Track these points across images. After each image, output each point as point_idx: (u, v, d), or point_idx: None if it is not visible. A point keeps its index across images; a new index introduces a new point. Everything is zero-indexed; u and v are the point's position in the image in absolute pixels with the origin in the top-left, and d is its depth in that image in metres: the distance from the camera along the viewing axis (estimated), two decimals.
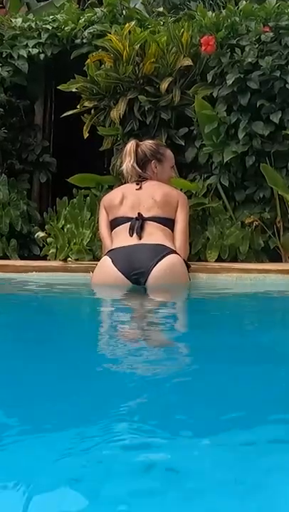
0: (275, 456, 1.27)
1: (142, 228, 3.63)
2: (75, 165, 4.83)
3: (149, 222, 3.67)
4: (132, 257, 3.53)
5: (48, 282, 3.78)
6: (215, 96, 4.25)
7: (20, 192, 4.76)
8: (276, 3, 4.22)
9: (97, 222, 3.99)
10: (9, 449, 1.28)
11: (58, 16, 4.86)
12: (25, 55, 4.72)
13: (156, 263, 3.48)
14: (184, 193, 3.97)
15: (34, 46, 4.76)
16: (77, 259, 4.09)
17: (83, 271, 3.85)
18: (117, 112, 4.33)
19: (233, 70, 4.15)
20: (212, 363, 1.97)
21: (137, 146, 3.88)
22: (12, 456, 1.25)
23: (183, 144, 4.37)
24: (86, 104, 4.47)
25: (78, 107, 4.49)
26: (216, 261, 4.05)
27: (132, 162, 3.83)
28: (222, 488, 1.13)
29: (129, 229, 3.64)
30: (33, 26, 4.83)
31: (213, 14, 4.34)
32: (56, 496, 1.09)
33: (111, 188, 4.26)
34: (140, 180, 3.84)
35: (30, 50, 4.74)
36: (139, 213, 3.68)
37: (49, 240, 4.30)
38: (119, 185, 4.05)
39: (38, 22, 4.84)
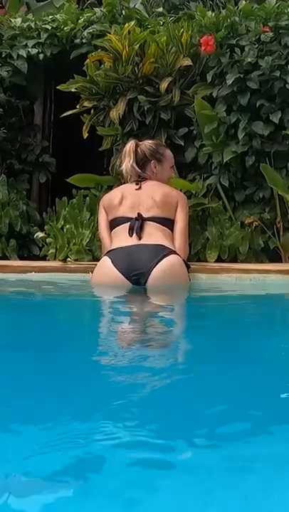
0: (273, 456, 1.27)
1: (141, 228, 3.62)
2: (75, 165, 4.83)
3: (148, 222, 3.66)
4: (132, 258, 3.52)
5: (47, 282, 3.77)
6: (215, 96, 4.25)
7: (20, 192, 4.75)
8: (276, 3, 4.22)
9: (97, 222, 3.98)
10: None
11: (58, 16, 4.85)
12: (25, 55, 4.72)
13: (157, 264, 3.47)
14: (184, 193, 3.96)
15: (33, 46, 4.75)
16: (76, 260, 4.09)
17: (82, 271, 3.84)
18: (117, 112, 4.32)
19: (232, 70, 4.15)
20: (212, 363, 1.96)
21: (137, 146, 3.87)
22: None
23: (182, 144, 4.36)
24: (85, 104, 4.46)
25: (78, 107, 4.48)
26: (216, 261, 4.04)
27: (131, 162, 3.83)
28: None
29: (129, 229, 3.63)
30: (33, 26, 4.82)
31: (213, 14, 4.33)
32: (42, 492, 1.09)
33: (110, 188, 4.26)
34: (140, 180, 3.83)
35: (29, 50, 4.73)
36: (138, 213, 3.67)
37: (48, 240, 4.29)
38: (118, 185, 4.04)
39: (37, 22, 4.83)
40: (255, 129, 4.13)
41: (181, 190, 3.95)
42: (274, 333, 2.64)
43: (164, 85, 4.28)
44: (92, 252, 4.12)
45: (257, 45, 4.15)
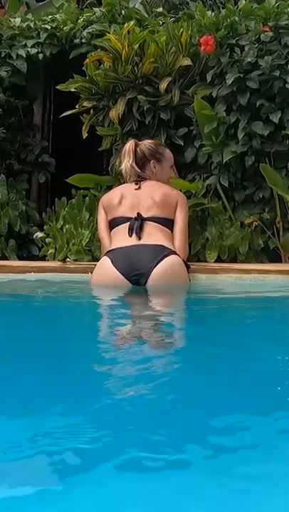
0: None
1: (141, 228, 3.61)
2: (74, 165, 4.82)
3: (148, 222, 3.65)
4: (132, 258, 3.51)
5: (46, 283, 3.76)
6: (214, 96, 4.24)
7: (19, 192, 4.74)
8: (276, 3, 4.21)
9: (96, 222, 3.97)
10: None
11: (57, 16, 4.84)
12: (24, 55, 4.70)
13: (157, 264, 3.46)
14: (184, 193, 3.95)
15: (33, 46, 4.74)
16: (76, 260, 4.08)
17: (82, 271, 3.83)
18: (116, 111, 4.31)
19: (232, 70, 4.14)
20: (212, 363, 1.95)
21: (136, 145, 3.87)
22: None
23: (182, 144, 4.35)
24: (85, 104, 4.45)
25: (77, 106, 4.47)
26: (216, 261, 4.03)
27: (130, 162, 3.82)
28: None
29: (129, 229, 3.63)
30: (32, 26, 4.80)
31: (213, 14, 4.33)
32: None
33: (110, 188, 4.25)
34: (139, 180, 3.82)
35: (29, 49, 4.72)
36: (138, 213, 3.66)
37: (48, 240, 4.28)
38: (118, 185, 4.04)
39: (36, 22, 4.82)
40: (255, 128, 4.12)
41: (180, 190, 3.94)
42: (274, 333, 2.63)
43: (163, 85, 4.27)
44: (92, 252, 4.11)
45: (257, 45, 4.14)
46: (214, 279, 3.72)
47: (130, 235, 3.61)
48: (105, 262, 3.56)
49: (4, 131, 4.81)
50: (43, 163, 4.97)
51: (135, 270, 3.47)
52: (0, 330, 2.62)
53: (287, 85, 4.09)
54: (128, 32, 4.34)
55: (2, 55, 4.75)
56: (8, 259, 4.39)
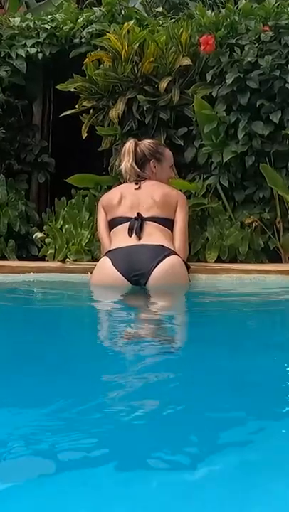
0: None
1: (141, 228, 3.60)
2: (74, 165, 4.81)
3: (148, 222, 3.64)
4: (132, 258, 3.50)
5: (45, 283, 3.75)
6: (214, 95, 4.23)
7: (19, 192, 4.74)
8: (276, 2, 4.20)
9: (96, 222, 3.96)
10: None
11: (57, 16, 4.84)
12: (24, 55, 4.70)
13: (157, 264, 3.46)
14: (184, 193, 3.94)
15: (32, 46, 4.73)
16: (75, 260, 4.07)
17: (81, 271, 3.82)
18: (116, 111, 4.30)
19: (232, 70, 4.13)
20: (213, 364, 1.95)
21: (136, 145, 3.86)
22: None
23: (182, 143, 4.34)
24: (85, 103, 4.45)
25: (77, 106, 4.46)
26: (216, 261, 4.02)
27: (130, 162, 3.81)
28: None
29: (129, 229, 3.62)
30: (32, 26, 4.80)
31: (213, 13, 4.32)
32: None
33: (110, 188, 4.24)
34: (139, 179, 3.81)
35: (28, 49, 4.72)
36: (138, 213, 3.65)
37: (47, 240, 4.27)
38: (117, 185, 4.03)
39: (36, 21, 4.82)
40: (255, 128, 4.11)
41: (180, 190, 3.93)
42: (275, 333, 2.62)
43: (163, 85, 4.26)
44: (92, 253, 4.11)
45: (257, 45, 4.13)
46: (214, 280, 3.71)
47: (130, 235, 3.60)
48: (105, 262, 3.55)
49: (4, 131, 4.80)
50: (42, 163, 4.96)
51: (135, 270, 3.46)
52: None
53: (287, 85, 4.08)
54: (128, 32, 4.34)
55: (2, 55, 4.75)
56: (7, 260, 4.38)
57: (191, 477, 1.17)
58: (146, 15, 4.99)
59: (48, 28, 4.74)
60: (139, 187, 3.77)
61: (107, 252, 3.62)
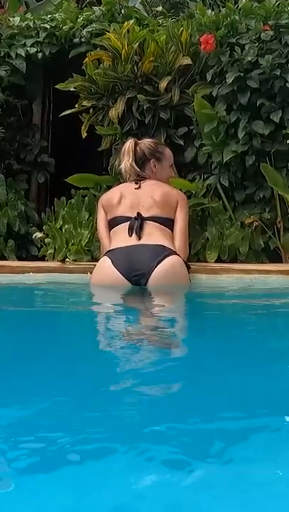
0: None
1: (141, 228, 3.59)
2: (74, 165, 4.79)
3: (148, 222, 3.63)
4: (132, 258, 3.49)
5: (45, 283, 3.74)
6: (214, 95, 4.22)
7: (18, 192, 4.72)
8: (276, 2, 4.19)
9: (95, 222, 3.95)
10: None
11: (56, 15, 4.83)
12: (23, 55, 4.68)
13: (157, 264, 3.44)
14: (184, 193, 3.93)
15: (32, 45, 4.72)
16: (75, 260, 4.05)
17: (81, 271, 3.81)
18: (116, 111, 4.29)
19: (232, 69, 4.12)
20: (213, 365, 1.94)
21: (136, 144, 3.84)
22: None
23: (182, 143, 4.33)
24: (84, 103, 4.43)
25: (76, 106, 4.45)
26: (216, 261, 4.01)
27: (130, 161, 3.79)
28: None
29: (129, 229, 3.60)
30: (31, 25, 4.79)
31: (213, 13, 4.31)
32: None
33: (109, 188, 4.22)
34: (139, 179, 3.80)
35: (28, 49, 4.70)
36: (138, 213, 3.64)
37: (47, 240, 4.26)
38: (117, 185, 4.01)
39: (36, 21, 4.81)
40: (256, 128, 4.10)
41: (180, 190, 3.92)
42: (275, 334, 2.61)
43: (163, 84, 4.25)
44: (91, 253, 4.09)
45: (257, 44, 4.12)
46: (215, 280, 3.70)
47: (130, 235, 3.59)
48: (105, 262, 3.54)
49: (3, 130, 4.79)
50: (42, 163, 4.95)
51: (135, 270, 3.45)
52: None
53: (287, 84, 4.07)
54: (128, 31, 4.32)
55: (1, 55, 4.73)
56: (7, 260, 4.37)
57: (191, 477, 1.16)
58: (146, 14, 4.97)
59: (48, 27, 4.73)
60: (139, 186, 3.76)
61: (107, 251, 3.61)
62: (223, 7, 4.59)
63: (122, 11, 4.75)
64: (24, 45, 4.73)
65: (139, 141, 3.89)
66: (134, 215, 3.64)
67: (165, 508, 1.06)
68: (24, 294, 3.65)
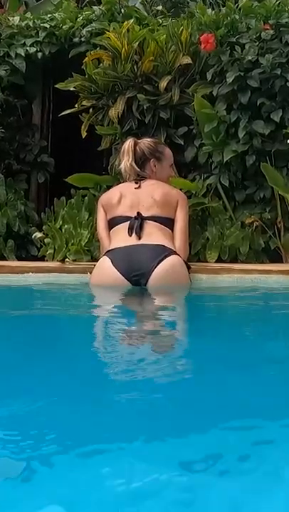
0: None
1: (141, 228, 3.58)
2: (74, 165, 4.79)
3: (148, 221, 3.62)
4: (132, 258, 3.48)
5: (44, 283, 3.73)
6: (215, 94, 4.21)
7: (18, 192, 4.72)
8: (276, 1, 4.19)
9: (95, 222, 3.94)
10: None
11: (56, 15, 4.82)
12: (23, 54, 4.68)
13: (158, 264, 3.43)
14: (184, 192, 3.92)
15: (32, 45, 4.72)
16: (75, 260, 4.04)
17: (81, 271, 3.80)
18: (116, 110, 4.28)
19: (233, 68, 4.11)
20: (214, 365, 1.93)
21: (135, 144, 3.83)
22: None
23: (182, 143, 4.32)
24: (84, 103, 4.42)
25: (76, 106, 4.44)
26: (216, 261, 4.00)
27: (130, 161, 3.78)
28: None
29: (128, 228, 3.59)
30: (31, 25, 4.79)
31: (213, 12, 4.31)
32: None
33: (109, 188, 4.21)
34: (139, 179, 3.79)
35: (27, 48, 4.70)
36: (138, 212, 3.62)
37: (47, 240, 4.24)
38: (117, 184, 4.00)
39: (35, 21, 4.80)
40: (256, 127, 4.09)
41: (181, 190, 3.91)
42: (276, 334, 2.60)
43: (163, 84, 4.24)
44: (91, 253, 4.08)
45: (257, 43, 4.12)
46: (215, 280, 3.69)
47: (130, 235, 3.57)
48: (105, 262, 3.53)
49: (3, 130, 4.78)
50: (42, 163, 4.94)
51: (135, 270, 3.44)
52: None
53: (288, 84, 4.06)
54: (128, 30, 4.31)
55: (1, 54, 4.73)
56: (6, 260, 4.36)
57: (191, 478, 1.16)
58: (146, 14, 4.97)
59: (48, 27, 4.73)
60: (139, 186, 3.74)
61: (107, 251, 3.59)
62: (223, 6, 4.59)
63: (122, 10, 4.75)
64: (24, 44, 4.73)
65: (139, 141, 3.87)
66: (134, 214, 3.62)
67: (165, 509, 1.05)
68: (24, 294, 3.64)
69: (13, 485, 1.14)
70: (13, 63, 4.70)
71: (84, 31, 4.62)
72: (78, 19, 4.70)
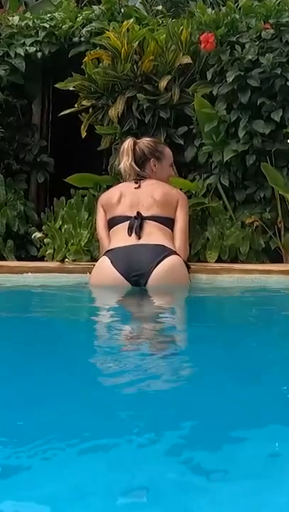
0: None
1: (141, 228, 3.57)
2: (73, 165, 4.78)
3: (148, 221, 3.61)
4: (132, 258, 3.47)
5: (44, 283, 3.73)
6: (215, 94, 4.20)
7: (18, 192, 4.71)
8: (276, 0, 4.18)
9: (95, 221, 3.93)
10: None
11: (56, 15, 4.82)
12: (23, 54, 4.68)
13: (157, 264, 3.42)
14: (184, 192, 3.91)
15: (31, 44, 4.71)
16: (74, 260, 4.03)
17: (80, 272, 3.79)
18: (116, 110, 4.27)
19: (233, 68, 4.11)
20: (215, 366, 1.93)
21: (135, 144, 3.82)
22: None
23: (182, 143, 4.31)
24: (84, 102, 4.42)
25: (76, 105, 4.44)
26: (216, 261, 3.99)
27: (130, 161, 3.77)
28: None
29: (128, 228, 3.58)
30: (31, 25, 4.78)
31: (213, 11, 4.31)
32: None
33: (109, 188, 4.20)
34: (139, 178, 3.78)
35: (27, 48, 4.70)
36: (138, 212, 3.62)
37: (46, 240, 4.24)
38: (116, 184, 3.99)
39: (35, 20, 4.80)
40: (256, 127, 4.08)
41: (181, 190, 3.90)
42: (276, 335, 2.59)
43: (163, 83, 4.24)
44: (91, 253, 4.08)
45: (257, 43, 4.11)
46: (215, 280, 3.68)
47: (130, 234, 3.56)
48: (104, 262, 3.52)
49: (3, 130, 4.78)
50: (41, 163, 4.94)
51: (135, 270, 3.43)
52: None
53: (288, 83, 4.06)
54: (127, 30, 4.31)
55: (0, 54, 4.73)
56: (6, 260, 4.35)
57: (192, 478, 1.15)
58: (146, 13, 4.96)
59: (47, 26, 4.72)
60: (139, 186, 3.73)
61: (106, 251, 3.58)
62: (223, 6, 4.58)
63: (122, 9, 4.74)
64: (23, 44, 4.72)
65: (138, 141, 3.86)
66: (133, 214, 3.61)
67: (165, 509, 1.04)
68: (23, 294, 3.63)
69: (14, 485, 1.13)
70: (13, 63, 4.69)
71: (84, 31, 4.62)
72: (78, 19, 4.70)
